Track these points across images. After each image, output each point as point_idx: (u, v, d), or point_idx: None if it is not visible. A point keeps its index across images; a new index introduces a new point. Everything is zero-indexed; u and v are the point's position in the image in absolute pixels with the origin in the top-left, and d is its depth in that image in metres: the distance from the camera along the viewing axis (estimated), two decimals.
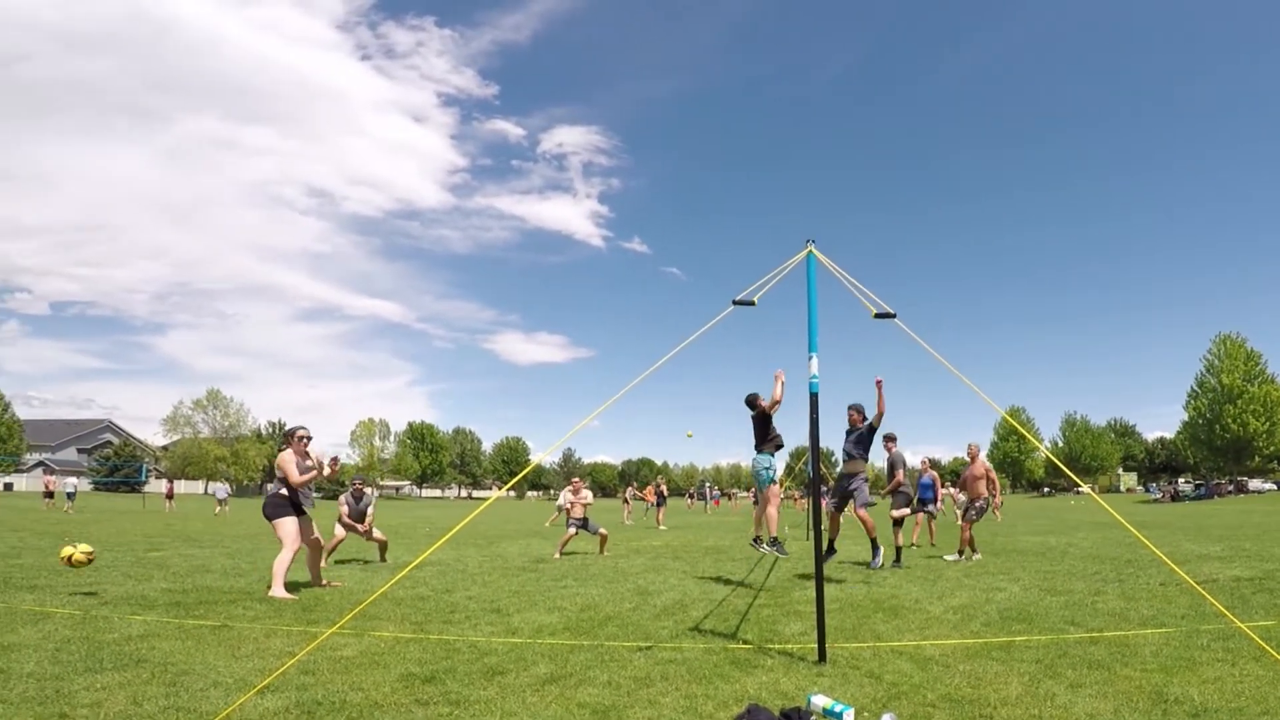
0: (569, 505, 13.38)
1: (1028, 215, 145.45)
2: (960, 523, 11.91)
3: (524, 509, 56.22)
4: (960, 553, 11.46)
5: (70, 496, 34.47)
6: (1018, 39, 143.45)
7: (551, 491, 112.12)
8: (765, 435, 8.97)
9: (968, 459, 12.56)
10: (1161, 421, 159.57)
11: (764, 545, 8.88)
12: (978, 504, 11.75)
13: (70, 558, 7.61)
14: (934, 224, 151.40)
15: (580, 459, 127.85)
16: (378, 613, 6.47)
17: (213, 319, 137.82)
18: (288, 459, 8.14)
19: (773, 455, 9.03)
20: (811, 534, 16.55)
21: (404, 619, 6.26)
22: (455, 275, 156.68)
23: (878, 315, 5.41)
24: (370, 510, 11.44)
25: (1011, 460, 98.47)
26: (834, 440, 10.52)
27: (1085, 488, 6.97)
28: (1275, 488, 68.47)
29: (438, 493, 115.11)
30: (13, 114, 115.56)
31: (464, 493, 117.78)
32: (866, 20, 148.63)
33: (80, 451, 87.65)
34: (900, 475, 12.04)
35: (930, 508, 14.92)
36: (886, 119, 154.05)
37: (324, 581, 8.41)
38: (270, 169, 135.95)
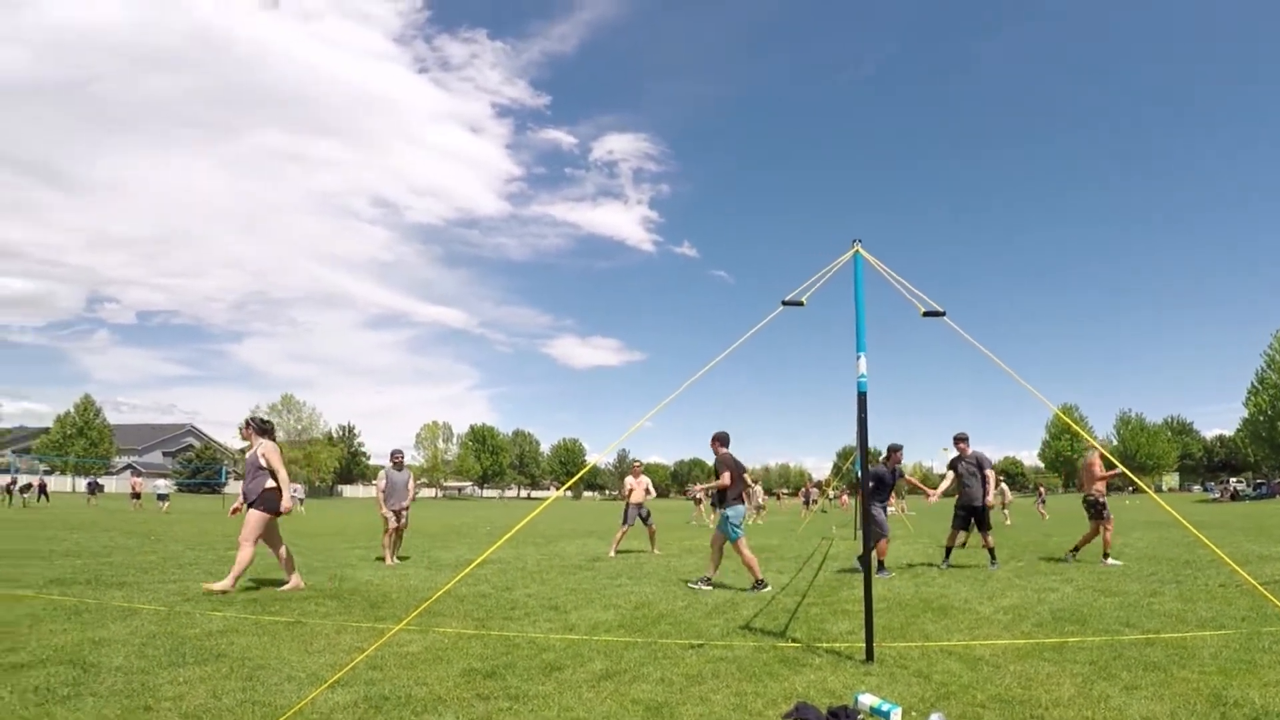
0: (629, 490, 13.46)
1: (1083, 212, 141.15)
2: (1102, 524, 10.96)
3: (581, 509, 56.54)
4: (1107, 555, 10.70)
5: (163, 498, 35.61)
6: (1062, 26, 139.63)
7: (608, 491, 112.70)
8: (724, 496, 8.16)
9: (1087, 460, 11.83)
10: (1220, 419, 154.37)
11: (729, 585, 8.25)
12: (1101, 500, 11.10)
13: None
14: (986, 221, 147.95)
15: (634, 459, 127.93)
16: (441, 609, 6.55)
17: (286, 326, 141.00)
18: (276, 449, 7.97)
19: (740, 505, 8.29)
20: (859, 533, 16.44)
21: (466, 615, 6.35)
22: (513, 281, 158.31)
23: (926, 314, 5.30)
24: (412, 486, 11.35)
25: (1065, 459, 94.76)
26: (880, 439, 10.45)
27: (1141, 484, 6.71)
28: None
29: (498, 493, 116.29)
30: (91, 130, 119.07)
31: (523, 493, 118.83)
32: (905, 13, 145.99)
33: (165, 455, 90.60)
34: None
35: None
36: (931, 115, 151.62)
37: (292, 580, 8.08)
38: (336, 180, 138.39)
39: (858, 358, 5.24)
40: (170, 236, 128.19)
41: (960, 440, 10.69)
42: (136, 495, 38.41)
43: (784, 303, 5.35)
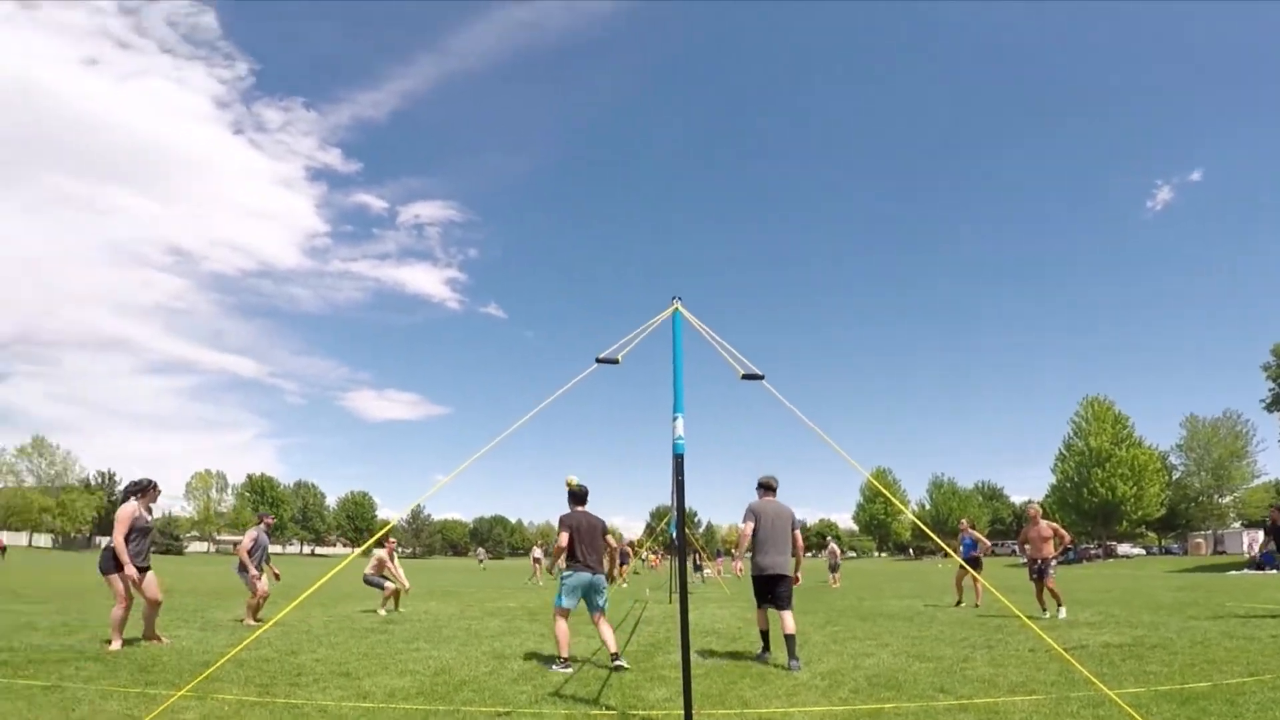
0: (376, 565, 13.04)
1: (896, 275, 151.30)
2: (1043, 582, 11.81)
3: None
4: (1061, 606, 11.63)
5: None
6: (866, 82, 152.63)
7: (401, 548, 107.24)
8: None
9: (1029, 520, 12.31)
10: (1029, 485, 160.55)
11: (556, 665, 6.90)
12: (1052, 563, 11.81)
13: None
14: (805, 282, 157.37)
15: (430, 515, 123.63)
16: (220, 674, 5.91)
17: (53, 368, 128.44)
18: (126, 513, 7.48)
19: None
20: (674, 597, 16.43)
21: (248, 681, 5.76)
22: (310, 334, 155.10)
23: (745, 376, 5.17)
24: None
25: (878, 522, 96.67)
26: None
27: (949, 550, 6.87)
28: (1144, 552, 66.85)
29: (278, 549, 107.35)
30: None
31: (306, 548, 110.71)
32: (709, 82, 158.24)
33: None
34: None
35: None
36: (738, 176, 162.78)
37: (158, 638, 7.77)
38: (132, 229, 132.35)
39: (674, 419, 5.02)
40: None
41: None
42: None
43: (598, 360, 5.17)
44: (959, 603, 14.70)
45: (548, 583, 27.11)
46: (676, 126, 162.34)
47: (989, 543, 15.94)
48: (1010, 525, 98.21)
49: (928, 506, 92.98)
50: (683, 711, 4.54)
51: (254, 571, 10.08)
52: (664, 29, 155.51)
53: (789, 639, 7.21)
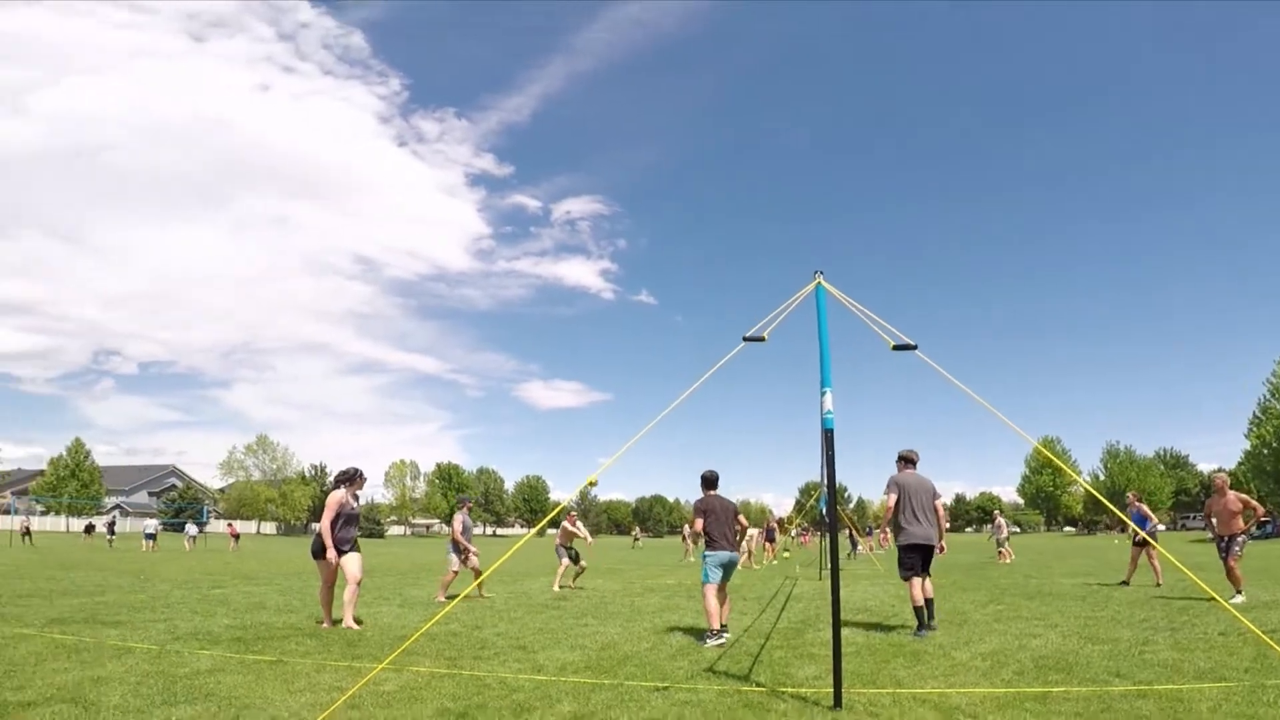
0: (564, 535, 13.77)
1: (1064, 240, 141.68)
2: (1229, 562, 10.48)
3: (545, 546, 55.79)
4: (1239, 591, 10.31)
5: (150, 537, 34.84)
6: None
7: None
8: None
9: (1215, 491, 11.00)
10: (1219, 452, 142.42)
11: None
12: (1240, 539, 10.53)
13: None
14: (956, 253, 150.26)
15: (596, 497, 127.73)
16: (414, 648, 6.53)
17: (270, 374, 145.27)
18: (335, 500, 7.91)
19: None
20: (824, 573, 16.27)
21: (439, 654, 6.34)
22: (482, 330, 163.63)
23: (896, 347, 5.01)
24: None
25: (1045, 495, 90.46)
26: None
27: (1131, 523, 6.46)
28: None
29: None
30: (99, 196, 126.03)
31: (488, 530, 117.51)
32: (835, 62, 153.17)
33: (150, 495, 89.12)
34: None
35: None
36: (896, 149, 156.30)
37: (354, 622, 7.98)
38: (322, 241, 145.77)
39: (823, 393, 4.89)
40: (167, 293, 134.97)
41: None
42: (27, 533, 37.57)
43: (745, 339, 5.14)
44: (1126, 582, 13.57)
45: (698, 560, 27.45)
46: (806, 106, 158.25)
47: (1155, 519, 14.43)
48: (1197, 496, 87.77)
49: (1101, 478, 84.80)
50: (832, 690, 4.52)
51: (474, 550, 11.45)
52: (781, 14, 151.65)
53: (929, 603, 7.63)
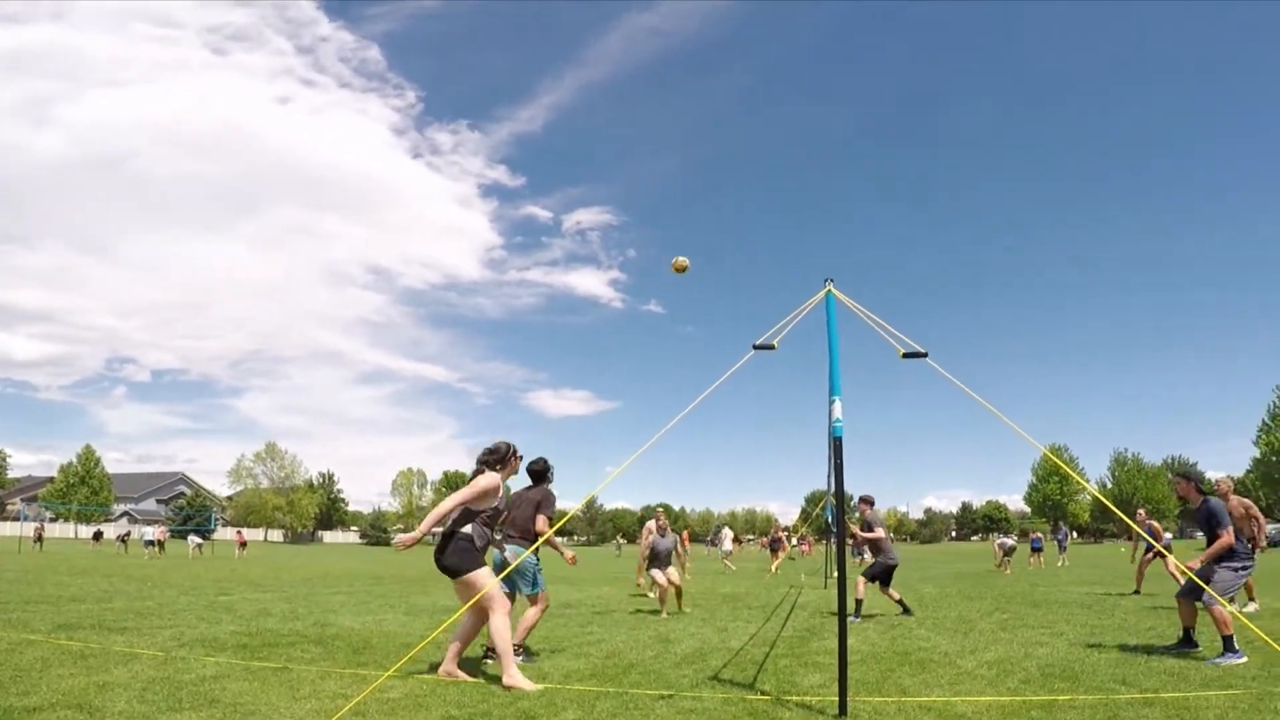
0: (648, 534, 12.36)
1: (1069, 242, 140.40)
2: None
3: (551, 554, 55.34)
4: (1252, 598, 10.05)
5: (151, 544, 34.57)
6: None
7: (575, 537, 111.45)
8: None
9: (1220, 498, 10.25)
10: (1228, 460, 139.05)
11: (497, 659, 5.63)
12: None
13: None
14: (966, 259, 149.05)
15: (602, 505, 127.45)
16: (420, 655, 6.46)
17: (284, 382, 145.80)
18: (490, 482, 5.61)
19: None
20: (829, 581, 16.30)
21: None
22: (491, 340, 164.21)
23: (906, 355, 4.99)
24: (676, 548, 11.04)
25: (1053, 503, 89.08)
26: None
27: (1139, 531, 6.39)
28: None
29: None
30: (122, 207, 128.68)
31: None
32: (838, 70, 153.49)
33: (159, 502, 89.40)
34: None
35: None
36: (902, 154, 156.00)
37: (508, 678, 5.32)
38: (337, 251, 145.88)
39: (832, 401, 4.89)
40: (186, 303, 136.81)
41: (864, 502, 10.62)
42: (39, 539, 37.47)
43: (755, 347, 5.12)
44: (1137, 591, 13.69)
45: (697, 565, 27.54)
46: (813, 116, 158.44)
47: (1165, 535, 14.84)
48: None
49: (1109, 485, 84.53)
50: (837, 698, 4.51)
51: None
52: (787, 22, 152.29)
53: (902, 602, 10.37)
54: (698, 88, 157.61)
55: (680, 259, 6.26)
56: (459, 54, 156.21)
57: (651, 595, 12.61)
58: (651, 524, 11.60)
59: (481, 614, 5.55)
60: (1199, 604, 6.68)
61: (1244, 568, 6.72)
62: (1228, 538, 6.58)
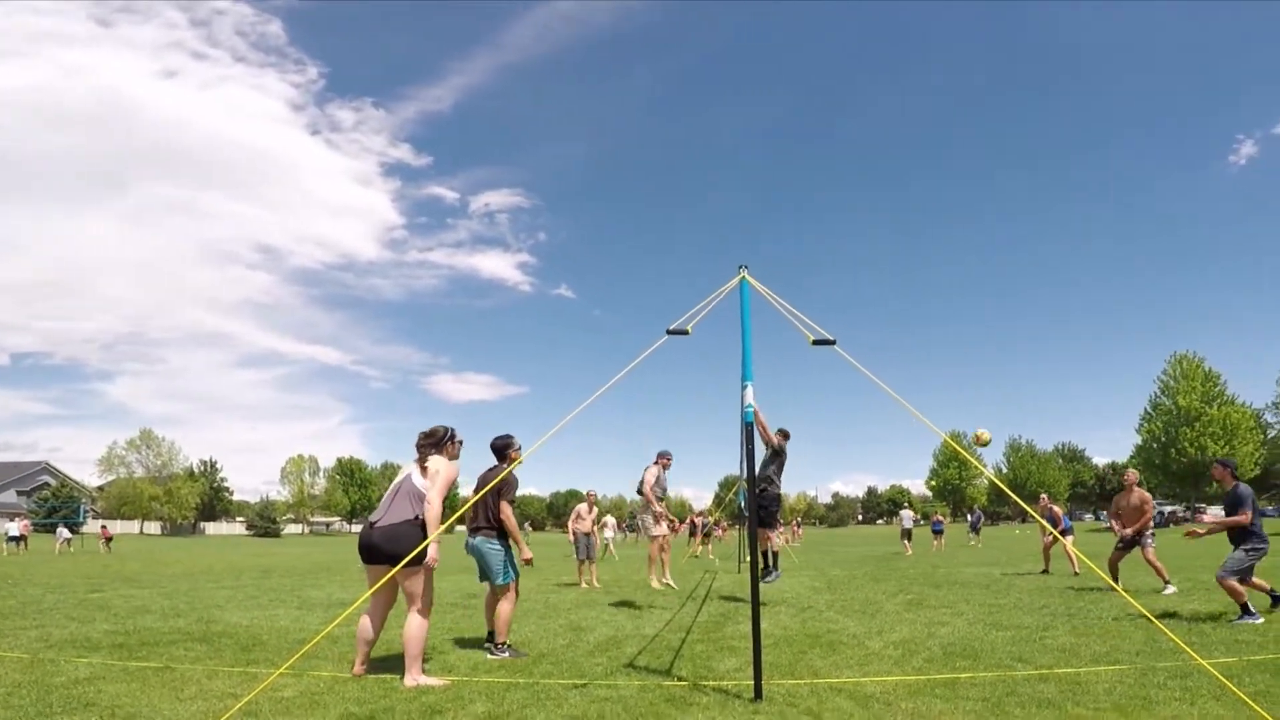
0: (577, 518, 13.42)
1: (968, 238, 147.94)
2: (1146, 555, 10.41)
3: (454, 542, 54.76)
4: (1167, 581, 10.27)
5: (14, 540, 32.02)
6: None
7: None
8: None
9: (1123, 486, 11.03)
10: (1113, 446, 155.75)
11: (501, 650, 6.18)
12: (1148, 533, 10.47)
13: None
14: (877, 251, 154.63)
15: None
16: (315, 651, 6.20)
17: (160, 366, 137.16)
18: (453, 470, 5.57)
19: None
20: (742, 566, 16.52)
21: (341, 657, 6.01)
22: (391, 321, 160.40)
23: (816, 342, 5.10)
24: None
25: (952, 488, 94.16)
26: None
27: (1033, 513, 6.80)
28: None
29: None
30: None
31: None
32: (757, 64, 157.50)
33: (19, 494, 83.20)
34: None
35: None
36: (813, 147, 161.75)
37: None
38: (223, 230, 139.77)
39: (744, 387, 5.00)
40: (53, 282, 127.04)
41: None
42: None
43: (669, 331, 5.14)
44: (1046, 570, 14.80)
45: (622, 555, 27.63)
46: (727, 108, 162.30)
47: (1064, 518, 16.36)
48: (1093, 489, 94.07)
49: (1004, 470, 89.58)
50: (753, 682, 4.59)
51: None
52: (710, 16, 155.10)
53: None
54: (614, 75, 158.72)
55: (983, 432, 7.03)
56: (367, 31, 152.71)
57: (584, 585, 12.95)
58: (581, 507, 12.61)
59: (388, 605, 5.46)
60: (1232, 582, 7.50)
61: (1256, 550, 7.60)
62: (1244, 518, 7.62)
